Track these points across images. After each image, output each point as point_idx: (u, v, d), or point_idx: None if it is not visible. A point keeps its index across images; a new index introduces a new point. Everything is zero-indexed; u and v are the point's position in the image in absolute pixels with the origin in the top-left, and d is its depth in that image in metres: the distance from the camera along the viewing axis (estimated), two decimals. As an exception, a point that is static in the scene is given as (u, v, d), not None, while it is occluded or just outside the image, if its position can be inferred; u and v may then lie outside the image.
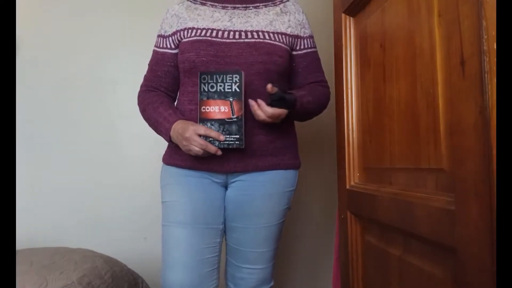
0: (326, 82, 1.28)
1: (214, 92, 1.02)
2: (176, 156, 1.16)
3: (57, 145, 1.82)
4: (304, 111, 1.16)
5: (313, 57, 1.26)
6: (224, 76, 1.02)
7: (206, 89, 1.03)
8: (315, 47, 1.27)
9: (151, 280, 1.61)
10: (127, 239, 1.80)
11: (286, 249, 1.91)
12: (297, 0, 1.28)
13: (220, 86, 1.02)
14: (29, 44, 1.81)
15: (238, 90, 1.02)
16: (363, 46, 1.06)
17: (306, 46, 1.24)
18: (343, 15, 1.15)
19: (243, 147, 1.04)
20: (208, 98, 1.03)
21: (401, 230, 0.82)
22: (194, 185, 1.14)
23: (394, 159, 0.88)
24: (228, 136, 1.02)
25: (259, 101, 1.04)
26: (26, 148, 1.77)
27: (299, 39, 1.22)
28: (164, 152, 1.24)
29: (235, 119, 1.02)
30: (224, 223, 1.19)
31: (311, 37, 1.26)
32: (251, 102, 1.04)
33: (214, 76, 1.02)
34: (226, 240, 1.21)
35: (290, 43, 1.19)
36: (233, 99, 1.02)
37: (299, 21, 1.22)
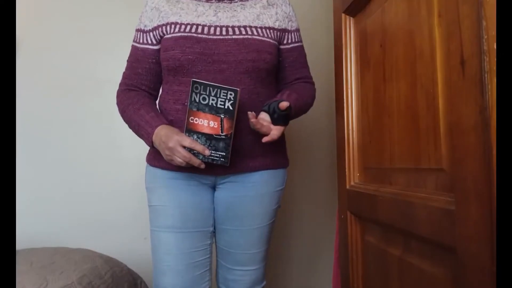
0: (311, 78, 1.25)
1: (205, 105, 0.96)
2: (161, 157, 1.11)
3: (57, 145, 1.81)
4: (294, 113, 1.13)
5: (300, 52, 1.23)
6: (218, 90, 0.95)
7: (197, 100, 0.97)
8: (301, 41, 1.24)
9: (151, 280, 1.60)
10: (127, 239, 1.79)
11: (281, 248, 1.91)
12: None
13: (213, 100, 0.96)
14: (29, 44, 1.81)
15: (231, 108, 0.96)
16: (363, 46, 1.06)
17: (293, 40, 1.20)
18: (343, 15, 1.15)
19: (228, 165, 1.00)
20: (198, 110, 0.97)
21: (401, 230, 0.82)
22: (181, 188, 1.11)
23: (394, 159, 0.88)
24: (213, 152, 0.99)
25: (265, 121, 1.02)
26: (26, 148, 1.76)
27: (286, 33, 1.19)
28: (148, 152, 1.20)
29: (223, 137, 0.97)
30: (214, 225, 1.16)
31: (297, 30, 1.22)
32: (250, 115, 0.99)
33: (208, 88, 0.96)
34: (216, 242, 1.19)
35: (278, 38, 1.16)
36: (224, 116, 0.96)
37: (286, 13, 1.19)
